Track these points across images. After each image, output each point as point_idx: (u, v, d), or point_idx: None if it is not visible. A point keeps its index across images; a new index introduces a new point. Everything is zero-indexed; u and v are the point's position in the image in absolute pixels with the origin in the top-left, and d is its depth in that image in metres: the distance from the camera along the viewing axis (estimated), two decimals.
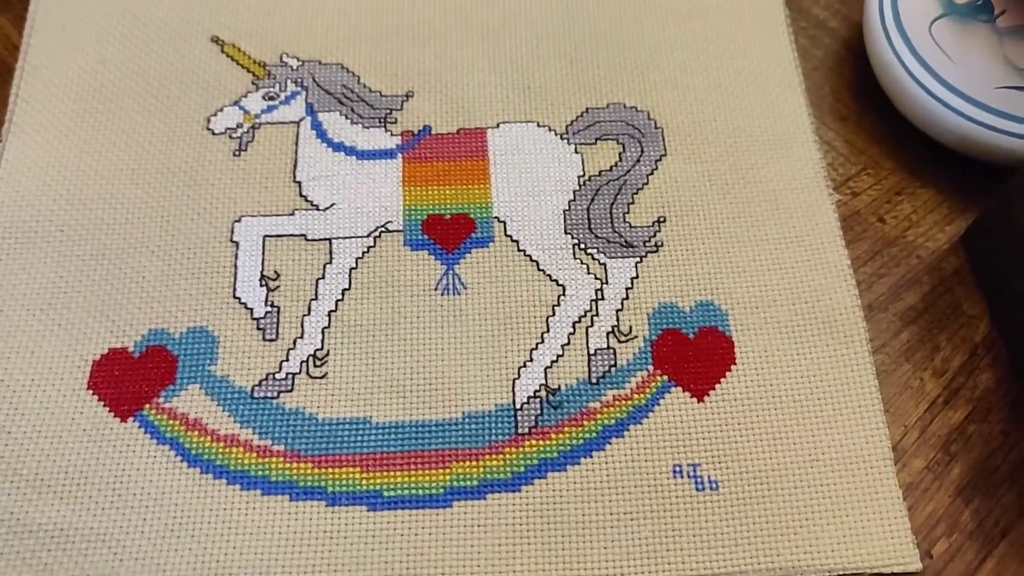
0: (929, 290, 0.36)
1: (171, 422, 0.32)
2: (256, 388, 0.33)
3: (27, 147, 0.37)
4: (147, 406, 0.32)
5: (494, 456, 0.31)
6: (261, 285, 0.35)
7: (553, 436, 0.32)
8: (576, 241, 0.35)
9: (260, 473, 0.31)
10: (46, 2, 0.40)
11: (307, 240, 0.35)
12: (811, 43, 0.41)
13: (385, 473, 0.31)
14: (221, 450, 0.32)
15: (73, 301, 0.34)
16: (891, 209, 0.38)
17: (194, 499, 0.31)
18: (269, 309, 0.34)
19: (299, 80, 0.38)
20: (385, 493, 0.31)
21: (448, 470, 0.31)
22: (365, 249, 0.35)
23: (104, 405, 0.32)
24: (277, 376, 0.33)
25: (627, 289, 0.34)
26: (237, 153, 0.37)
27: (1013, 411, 0.34)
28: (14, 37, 0.41)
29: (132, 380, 0.33)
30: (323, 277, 0.35)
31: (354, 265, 0.35)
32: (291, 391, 0.33)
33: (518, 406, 0.32)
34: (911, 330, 0.35)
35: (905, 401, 0.34)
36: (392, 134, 0.37)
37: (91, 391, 0.33)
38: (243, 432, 0.32)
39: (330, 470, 0.31)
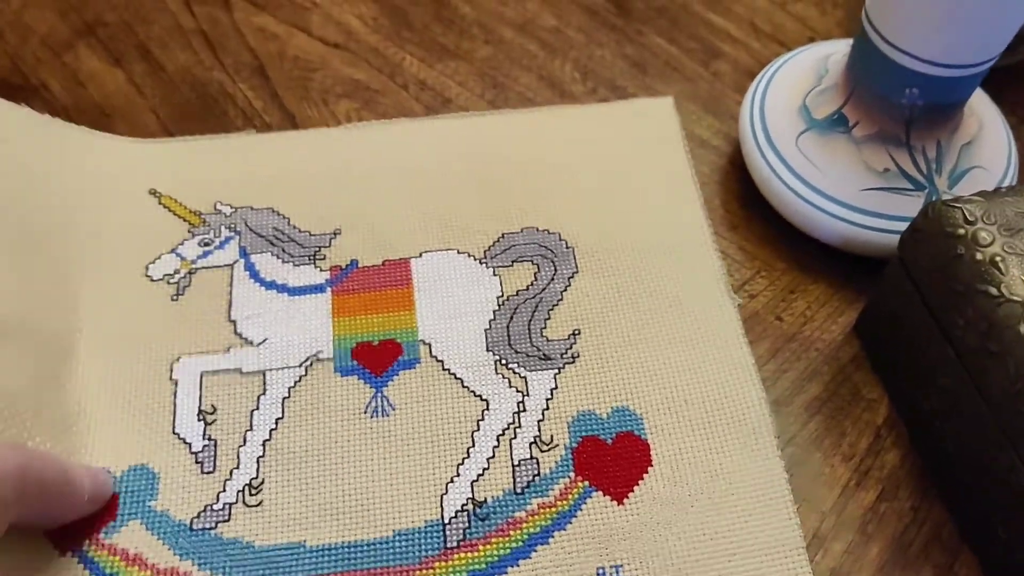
0: (830, 379, 0.39)
1: (111, 558, 0.32)
2: (195, 520, 0.33)
3: None
4: (87, 542, 0.32)
5: (424, 571, 0.32)
6: (199, 420, 0.35)
7: (481, 548, 0.32)
8: (497, 357, 0.37)
9: None
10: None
11: (242, 374, 0.36)
12: (698, 161, 0.45)
13: None
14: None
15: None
16: (787, 307, 0.41)
17: None
18: (207, 443, 0.35)
19: (232, 225, 0.40)
20: None
21: None
22: (297, 379, 0.36)
23: (45, 538, 0.32)
24: (215, 507, 0.34)
25: (547, 400, 0.36)
26: (175, 297, 0.38)
27: (919, 485, 0.36)
28: None
29: (68, 526, 0.33)
30: (257, 408, 0.36)
31: (287, 395, 0.36)
32: (228, 520, 0.33)
33: (446, 520, 0.33)
34: (817, 420, 0.38)
35: (819, 488, 0.36)
36: (321, 270, 0.39)
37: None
38: (183, 564, 0.32)
39: None
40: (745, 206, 0.44)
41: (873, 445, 0.37)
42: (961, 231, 0.32)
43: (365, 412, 0.35)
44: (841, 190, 0.39)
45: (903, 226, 0.39)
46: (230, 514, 0.33)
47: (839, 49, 0.43)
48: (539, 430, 0.35)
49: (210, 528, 0.33)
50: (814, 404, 0.38)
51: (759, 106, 0.42)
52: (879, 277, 0.38)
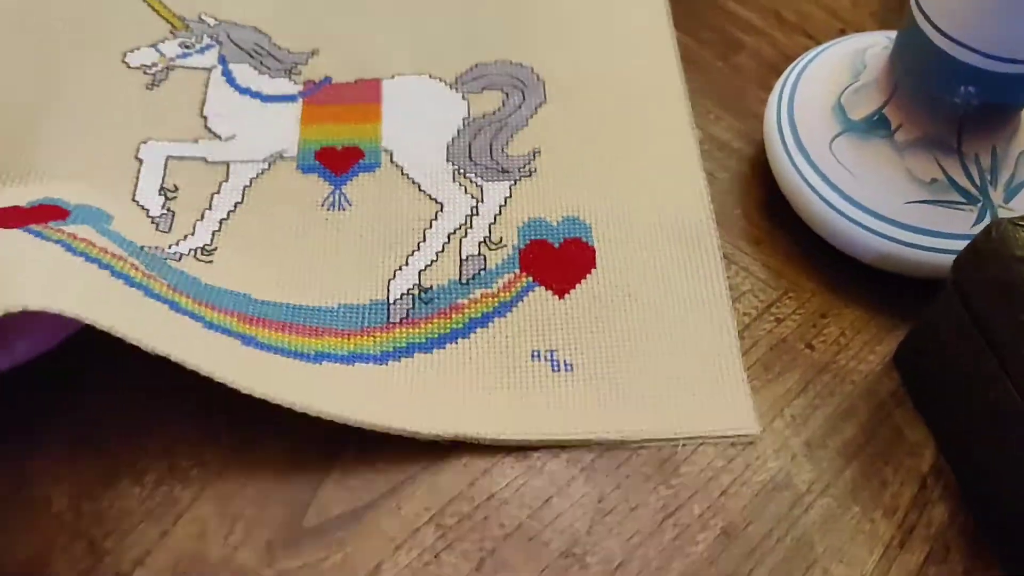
0: (867, 418, 0.34)
1: (57, 232, 0.31)
2: (146, 247, 0.34)
3: None
4: (36, 226, 0.31)
5: (365, 337, 0.34)
6: (159, 194, 0.37)
7: (422, 325, 0.34)
8: (457, 167, 0.38)
9: (143, 283, 0.31)
10: None
11: (207, 163, 0.38)
12: (716, 166, 0.40)
13: (261, 329, 0.33)
14: (109, 258, 0.31)
15: None
16: (818, 334, 0.36)
17: (81, 280, 0.30)
18: (164, 212, 0.36)
19: (215, 36, 0.42)
20: (259, 339, 0.32)
21: (320, 340, 0.33)
22: (259, 172, 0.38)
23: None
24: (166, 249, 0.35)
25: (500, 207, 0.37)
26: (150, 87, 0.40)
27: (972, 546, 0.31)
28: None
29: (22, 218, 0.33)
30: (218, 192, 0.37)
31: (248, 184, 0.38)
32: (179, 261, 0.34)
33: (391, 301, 0.35)
34: (854, 466, 0.33)
35: (858, 548, 0.31)
36: (295, 83, 0.41)
37: None
38: (131, 260, 0.32)
39: (208, 310, 0.32)
40: (770, 218, 0.39)
41: (919, 497, 0.32)
42: None
43: (322, 205, 0.37)
44: (881, 202, 0.34)
45: (952, 244, 0.34)
46: (180, 258, 0.35)
47: (878, 41, 0.38)
48: (489, 232, 0.37)
49: (159, 256, 0.34)
50: (851, 447, 0.33)
51: (787, 105, 0.38)
52: (923, 301, 0.34)
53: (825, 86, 0.37)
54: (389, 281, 0.35)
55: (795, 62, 0.40)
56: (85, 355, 0.32)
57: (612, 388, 0.33)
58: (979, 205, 0.34)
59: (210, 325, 0.32)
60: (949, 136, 0.34)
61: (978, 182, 0.34)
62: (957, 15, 0.31)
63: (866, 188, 0.35)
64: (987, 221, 0.34)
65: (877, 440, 0.34)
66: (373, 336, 0.34)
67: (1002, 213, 0.34)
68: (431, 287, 0.35)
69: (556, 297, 0.35)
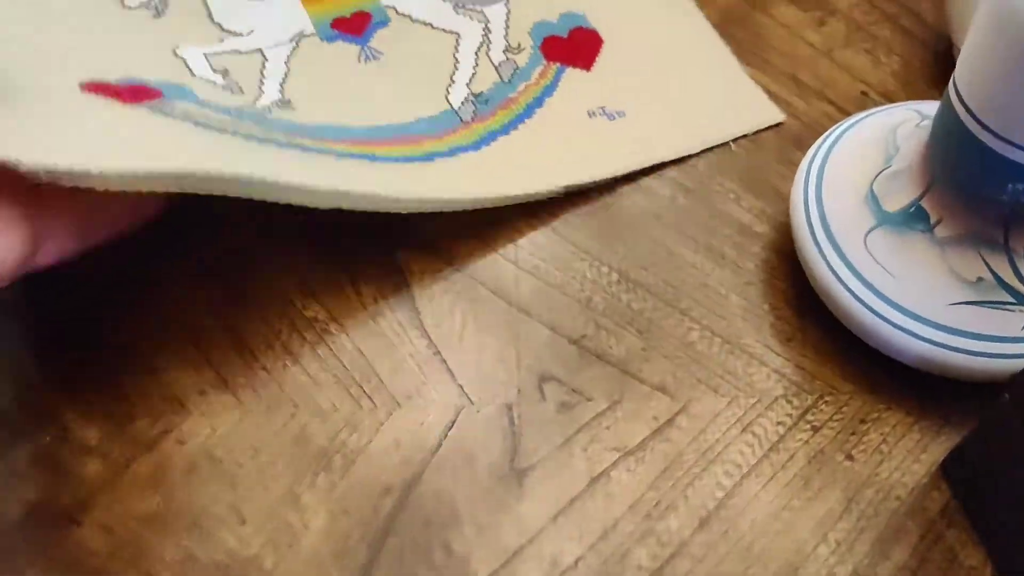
0: (918, 540, 0.31)
1: (174, 108, 0.33)
2: (240, 107, 0.37)
3: None
4: (146, 101, 0.33)
5: (452, 135, 0.40)
6: (215, 73, 0.39)
7: (491, 118, 0.40)
8: (453, 3, 0.44)
9: (270, 139, 0.34)
10: None
11: (240, 54, 0.41)
12: (739, 254, 0.38)
13: (373, 147, 0.37)
14: (231, 125, 0.34)
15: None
16: (858, 442, 0.34)
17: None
18: (228, 82, 0.39)
19: None
20: (377, 154, 0.37)
21: (421, 144, 0.39)
22: (290, 51, 0.41)
23: (109, 97, 0.33)
24: (254, 106, 0.38)
25: (505, 21, 0.43)
26: (156, 16, 0.42)
27: None
28: None
29: (124, 94, 0.34)
30: (265, 68, 0.40)
31: (287, 59, 0.41)
32: (271, 114, 0.38)
33: (457, 108, 0.41)
34: None
35: None
36: None
37: (90, 93, 0.33)
38: (242, 123, 0.35)
39: (326, 142, 0.36)
40: (800, 312, 0.36)
41: None
42: None
43: (359, 61, 0.42)
44: (923, 304, 0.32)
45: (1002, 348, 0.31)
46: (271, 111, 0.38)
47: (908, 117, 0.36)
48: (507, 41, 0.43)
49: (263, 113, 0.37)
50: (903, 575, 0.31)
51: (815, 191, 0.35)
52: (971, 403, 0.31)
53: (855, 171, 0.35)
54: (446, 96, 0.41)
55: (819, 140, 0.37)
56: None
57: (660, 120, 0.41)
58: None
59: (339, 156, 0.36)
60: (995, 232, 0.31)
61: None
62: (1007, 111, 0.28)
63: (906, 288, 0.32)
64: None
65: (929, 565, 0.31)
66: (458, 133, 0.40)
67: None
68: (482, 91, 0.41)
69: (585, 71, 0.42)
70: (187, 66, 0.40)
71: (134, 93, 0.35)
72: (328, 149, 0.36)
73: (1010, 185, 0.29)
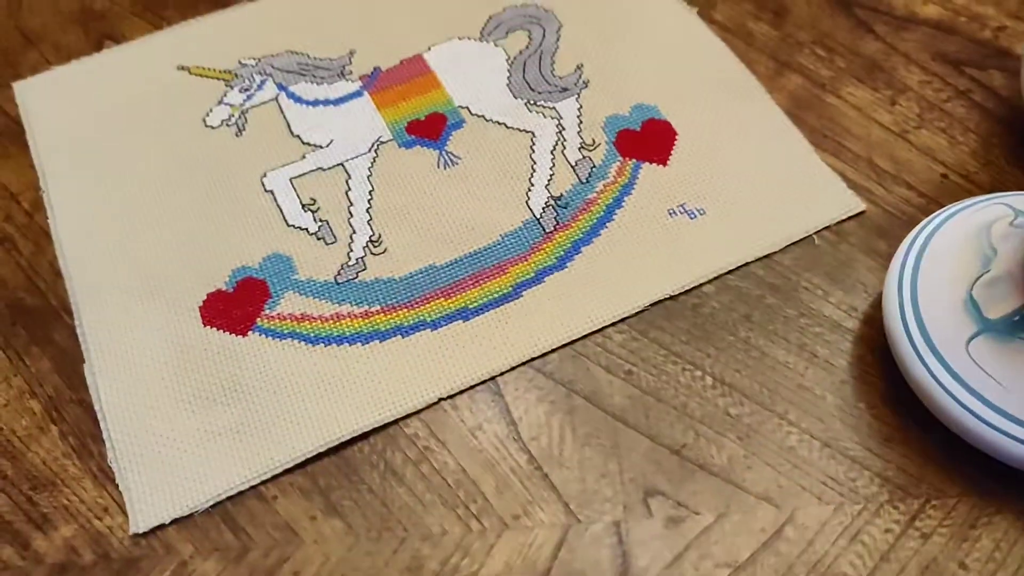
0: None
1: (283, 322, 0.39)
2: (337, 276, 0.41)
3: (69, 190, 0.44)
4: (258, 319, 0.40)
5: (537, 253, 0.41)
6: (305, 211, 0.43)
7: (573, 225, 0.41)
8: (525, 100, 0.45)
9: (371, 329, 0.39)
10: (33, 90, 0.49)
11: (324, 170, 0.44)
12: (831, 351, 0.38)
13: (463, 294, 0.40)
14: (332, 326, 0.39)
15: (162, 272, 0.41)
16: (971, 549, 0.33)
17: (327, 366, 0.38)
18: (320, 223, 0.42)
19: (262, 71, 0.47)
20: (470, 306, 0.39)
21: (508, 275, 0.40)
22: (371, 161, 0.44)
23: (224, 331, 0.39)
24: (349, 264, 0.41)
25: (578, 117, 0.45)
26: (238, 134, 0.45)
27: None
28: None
29: (237, 307, 0.40)
30: (349, 189, 0.43)
31: (369, 173, 0.43)
32: (365, 269, 0.41)
33: (538, 216, 0.42)
34: None
35: None
36: (352, 81, 0.47)
37: (209, 327, 0.40)
38: (342, 308, 0.40)
39: (424, 307, 0.40)
40: (899, 410, 0.36)
41: None
42: None
43: (438, 167, 0.44)
44: None
45: None
46: (364, 264, 0.41)
47: (1001, 214, 0.36)
48: (581, 138, 0.44)
49: (352, 279, 0.41)
50: None
51: (910, 294, 0.35)
52: None
53: (951, 274, 0.35)
54: (527, 202, 0.42)
55: (909, 238, 0.37)
56: None
57: (741, 217, 0.41)
58: None
59: (435, 325, 0.39)
60: None
61: None
62: None
63: (1014, 395, 0.32)
64: None
65: None
66: (543, 250, 0.41)
67: None
68: (561, 194, 0.42)
69: (661, 166, 0.43)
70: (278, 205, 0.43)
71: (245, 296, 0.41)
72: (424, 320, 0.39)
73: None
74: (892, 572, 0.33)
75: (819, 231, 0.41)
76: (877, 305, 0.38)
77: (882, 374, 0.37)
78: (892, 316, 0.35)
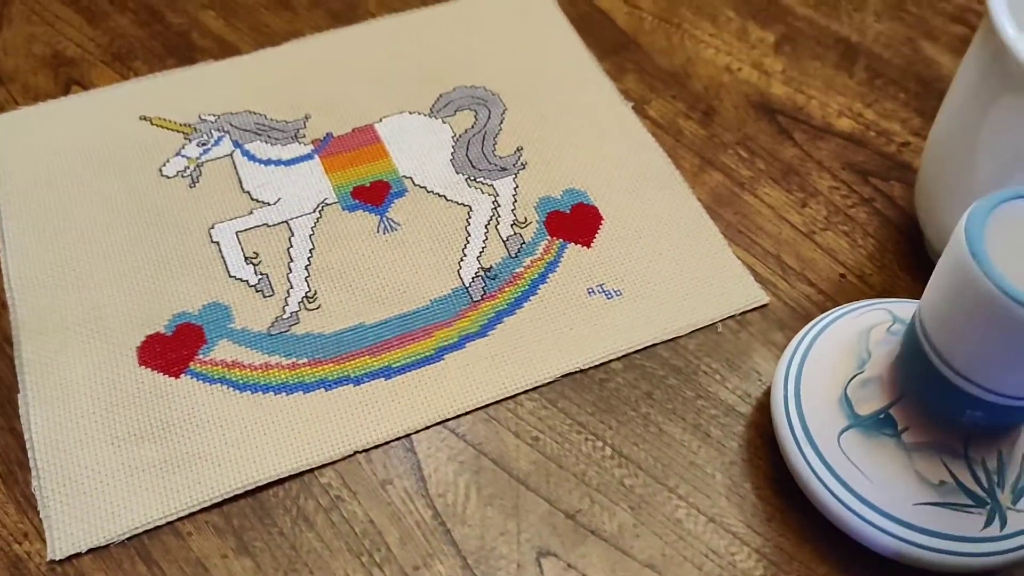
0: None
1: (214, 368, 0.42)
2: (271, 328, 0.43)
3: (24, 228, 0.47)
4: (191, 362, 0.42)
5: (462, 319, 0.44)
6: (247, 264, 0.45)
7: (499, 296, 0.44)
8: (466, 176, 0.49)
9: (296, 381, 0.42)
10: None
11: (269, 227, 0.47)
12: (724, 433, 0.41)
13: (388, 354, 0.42)
14: (260, 375, 0.42)
15: (105, 311, 0.44)
16: None
17: (252, 412, 0.41)
18: (260, 276, 0.45)
19: (220, 127, 0.50)
20: (393, 366, 0.42)
21: (432, 338, 0.43)
22: (315, 221, 0.47)
23: (157, 372, 0.42)
24: (283, 317, 0.44)
25: (513, 195, 0.48)
26: (192, 185, 0.48)
27: None
28: None
29: (172, 350, 0.42)
30: (291, 247, 0.46)
31: (311, 232, 0.46)
32: (298, 323, 0.43)
33: (467, 284, 0.45)
34: None
35: None
36: (304, 144, 0.50)
37: (144, 367, 0.42)
38: (272, 358, 0.42)
39: (349, 363, 0.42)
40: (780, 493, 0.39)
41: None
42: None
43: (378, 231, 0.47)
44: (892, 503, 0.35)
45: (963, 547, 0.34)
46: (298, 319, 0.44)
47: (879, 321, 0.39)
48: (514, 216, 0.47)
49: (284, 331, 0.43)
50: None
51: (794, 391, 0.38)
52: None
53: (831, 373, 0.38)
54: (458, 271, 0.45)
55: (799, 337, 0.40)
56: None
57: (653, 301, 0.44)
58: (987, 508, 0.35)
59: (358, 381, 0.42)
60: (956, 444, 0.34)
61: (986, 485, 0.35)
62: (964, 355, 0.31)
63: (875, 487, 0.35)
64: (996, 524, 0.35)
65: None
66: (467, 317, 0.44)
67: (1010, 515, 0.35)
68: (491, 267, 0.45)
69: (585, 247, 0.46)
70: (222, 256, 0.46)
71: (182, 340, 0.43)
72: (348, 376, 0.42)
73: (968, 411, 0.33)
74: None
75: (724, 320, 0.44)
76: (768, 393, 0.42)
77: (768, 458, 0.40)
78: (777, 406, 0.38)
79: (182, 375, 0.42)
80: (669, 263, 0.46)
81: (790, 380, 0.39)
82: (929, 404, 0.34)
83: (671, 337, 0.44)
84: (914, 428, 0.35)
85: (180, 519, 0.38)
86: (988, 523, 0.35)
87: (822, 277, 0.46)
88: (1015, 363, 0.30)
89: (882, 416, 0.36)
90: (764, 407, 0.42)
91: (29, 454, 0.40)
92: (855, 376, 0.37)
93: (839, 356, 0.38)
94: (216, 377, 0.42)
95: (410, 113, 0.52)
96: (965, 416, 0.33)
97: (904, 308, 0.40)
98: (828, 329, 0.40)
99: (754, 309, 0.45)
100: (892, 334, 0.37)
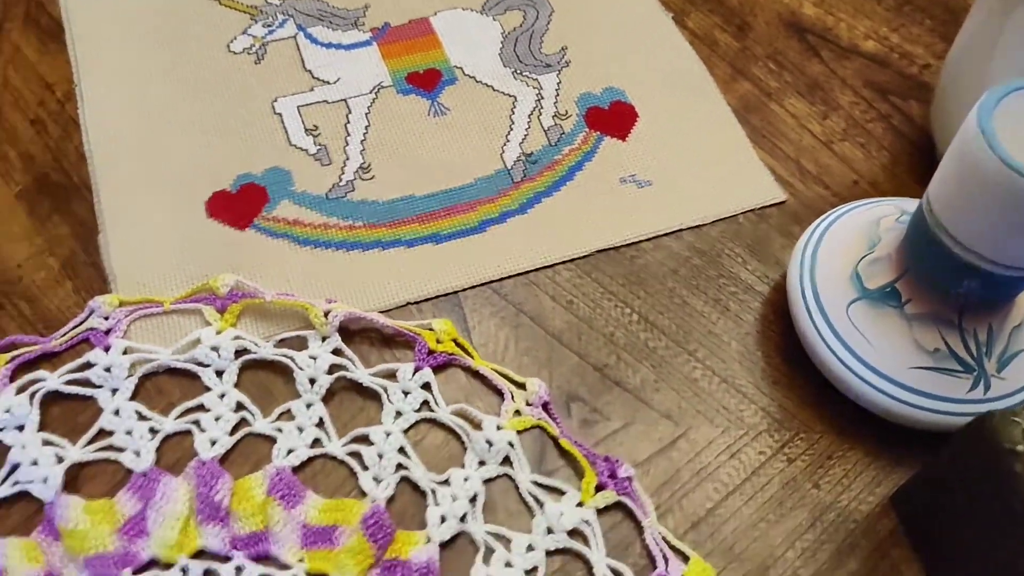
0: (867, 555, 0.39)
1: (277, 224, 0.46)
2: (329, 192, 0.47)
3: (99, 88, 0.50)
4: (256, 218, 0.46)
5: (504, 198, 0.47)
6: (307, 134, 0.49)
7: (538, 179, 0.48)
8: (513, 69, 0.52)
9: (354, 240, 0.46)
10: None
11: (328, 103, 0.50)
12: (741, 308, 0.45)
13: (436, 222, 0.46)
14: (320, 233, 0.46)
15: (175, 168, 0.48)
16: (824, 474, 0.41)
17: (313, 264, 0.45)
18: (319, 147, 0.48)
19: (285, 11, 0.54)
20: (441, 233, 0.46)
21: (477, 212, 0.47)
22: (371, 101, 0.50)
23: (225, 224, 0.46)
24: (340, 184, 0.47)
25: (556, 90, 0.52)
26: (257, 62, 0.52)
27: None
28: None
29: (238, 206, 0.46)
30: (348, 122, 0.49)
31: (367, 110, 0.50)
32: (353, 191, 0.47)
33: (509, 167, 0.48)
34: None
35: None
36: (363, 32, 0.53)
37: (212, 219, 0.46)
38: (330, 220, 0.46)
39: (401, 228, 0.46)
40: (788, 361, 0.44)
41: None
42: (1021, 447, 0.32)
43: (428, 114, 0.50)
44: (889, 366, 0.39)
45: (949, 407, 0.39)
46: (353, 187, 0.47)
47: (890, 212, 0.43)
48: (556, 108, 0.51)
49: (341, 197, 0.47)
50: None
51: (809, 265, 0.42)
52: (918, 448, 0.39)
53: (844, 253, 0.42)
54: (501, 155, 0.49)
55: (816, 222, 0.44)
56: None
57: (681, 192, 0.48)
58: (974, 374, 0.39)
59: (410, 243, 0.46)
60: (952, 314, 0.39)
61: (975, 354, 0.39)
62: (966, 227, 0.35)
63: (877, 351, 0.39)
64: (980, 388, 0.39)
65: (876, 575, 0.38)
66: (509, 195, 0.47)
67: (994, 381, 0.39)
68: (532, 152, 0.49)
69: (621, 141, 0.50)
70: (284, 127, 0.49)
71: (247, 198, 0.47)
72: (400, 239, 0.46)
73: (965, 281, 0.37)
74: (759, 484, 0.40)
75: (744, 212, 0.48)
76: (785, 276, 0.46)
77: (780, 331, 0.45)
78: (793, 279, 0.43)
79: (248, 228, 0.46)
80: (697, 159, 0.50)
81: (806, 258, 0.43)
82: (931, 276, 0.38)
83: (696, 224, 0.48)
84: (916, 300, 0.39)
85: None
86: (973, 387, 0.39)
87: (837, 181, 0.50)
88: (1013, 232, 0.34)
89: (888, 289, 0.40)
90: (780, 288, 0.46)
91: (110, 286, 0.44)
92: (866, 256, 0.41)
93: (852, 239, 0.42)
94: (280, 232, 0.46)
95: (463, 9, 0.55)
96: (963, 286, 0.37)
97: (913, 204, 0.44)
98: (843, 217, 0.44)
99: (773, 205, 0.49)
100: (900, 223, 0.41)
